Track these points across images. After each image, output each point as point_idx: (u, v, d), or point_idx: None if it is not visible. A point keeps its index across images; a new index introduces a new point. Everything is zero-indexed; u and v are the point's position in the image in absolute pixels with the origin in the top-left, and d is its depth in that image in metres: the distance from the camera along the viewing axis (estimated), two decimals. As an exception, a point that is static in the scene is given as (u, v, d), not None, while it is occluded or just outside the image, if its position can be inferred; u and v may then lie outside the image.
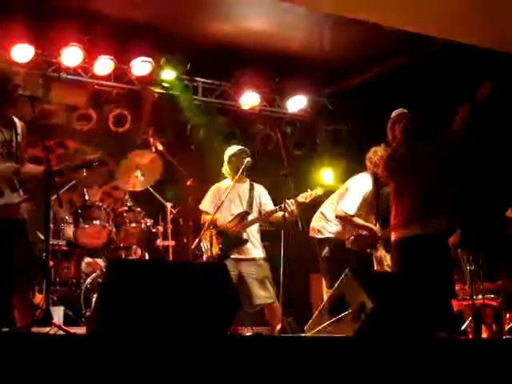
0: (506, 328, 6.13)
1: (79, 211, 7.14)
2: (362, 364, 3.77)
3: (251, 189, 6.73)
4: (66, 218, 7.13)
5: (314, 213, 6.82)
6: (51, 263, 6.59)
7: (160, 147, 7.62)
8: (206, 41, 7.82)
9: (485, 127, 6.84)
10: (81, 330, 5.26)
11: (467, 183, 6.64)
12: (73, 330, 4.65)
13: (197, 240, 6.61)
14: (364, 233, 6.48)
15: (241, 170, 6.54)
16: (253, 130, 9.13)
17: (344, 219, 6.43)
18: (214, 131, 8.77)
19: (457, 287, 6.22)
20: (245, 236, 6.53)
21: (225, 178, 6.80)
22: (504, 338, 5.90)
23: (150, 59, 8.03)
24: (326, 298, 6.11)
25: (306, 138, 9.47)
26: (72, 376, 2.99)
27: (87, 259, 7.22)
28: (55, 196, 5.05)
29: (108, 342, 3.23)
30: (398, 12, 6.20)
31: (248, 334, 6.40)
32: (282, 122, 9.25)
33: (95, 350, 3.14)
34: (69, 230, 7.10)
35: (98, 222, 7.11)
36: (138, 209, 7.37)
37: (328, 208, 6.64)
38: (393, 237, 5.56)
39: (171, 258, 7.26)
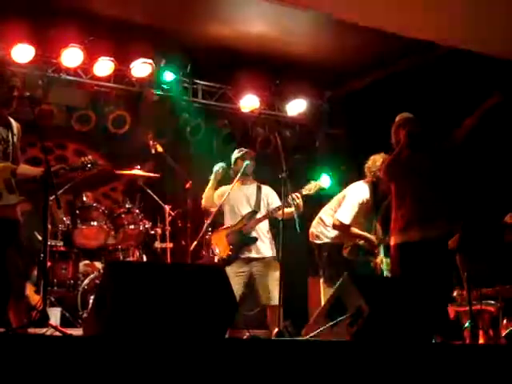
0: (503, 334, 6.12)
1: (77, 212, 7.13)
2: (358, 369, 3.76)
3: (258, 190, 6.75)
4: (64, 219, 7.12)
5: (313, 218, 6.83)
6: (49, 264, 6.58)
7: (160, 149, 7.62)
8: (206, 43, 7.83)
9: (488, 136, 6.83)
10: (77, 332, 5.25)
11: (467, 189, 6.64)
12: (69, 331, 4.65)
13: (195, 242, 6.61)
14: (361, 242, 6.50)
15: (240, 173, 6.58)
16: (252, 133, 9.14)
17: (340, 228, 6.45)
18: (212, 134, 8.79)
19: (455, 293, 6.23)
20: (254, 235, 6.54)
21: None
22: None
23: (150, 61, 8.03)
24: (323, 301, 6.12)
25: (305, 141, 9.48)
26: (68, 378, 2.98)
27: (85, 260, 7.22)
28: (53, 197, 5.05)
29: (105, 344, 3.23)
30: (397, 17, 6.20)
31: (245, 338, 6.39)
32: (282, 126, 9.26)
33: (92, 351, 3.13)
34: (66, 231, 7.10)
35: (95, 223, 7.11)
36: (137, 210, 7.37)
37: (327, 214, 6.65)
38: (391, 241, 5.57)
39: (169, 260, 7.26)
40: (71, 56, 7.64)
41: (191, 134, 8.68)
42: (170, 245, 7.36)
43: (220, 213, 6.71)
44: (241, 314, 6.56)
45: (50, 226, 6.44)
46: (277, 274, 6.33)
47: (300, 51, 8.13)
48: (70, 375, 2.99)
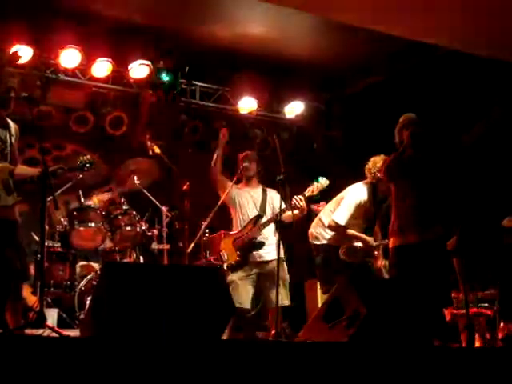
0: (500, 337, 6.13)
1: (74, 213, 7.12)
2: (355, 370, 3.76)
3: (264, 193, 6.75)
4: (61, 219, 7.12)
5: (310, 220, 6.84)
6: (46, 265, 6.57)
7: (157, 150, 7.60)
8: (205, 45, 7.83)
9: (487, 141, 6.84)
10: (74, 333, 5.24)
11: (465, 192, 6.64)
12: (66, 332, 4.64)
13: (192, 244, 6.61)
14: (358, 244, 6.50)
15: (238, 174, 6.61)
16: (250, 135, 9.14)
17: (335, 229, 6.45)
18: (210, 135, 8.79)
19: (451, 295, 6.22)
20: (260, 239, 6.54)
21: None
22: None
23: (148, 62, 8.03)
24: (320, 303, 6.12)
25: (303, 143, 9.48)
26: (65, 379, 2.98)
27: (82, 261, 7.21)
28: (51, 198, 5.04)
29: (102, 345, 3.22)
30: (395, 18, 6.21)
31: (242, 339, 6.40)
32: (279, 128, 9.26)
33: (89, 352, 3.13)
34: (64, 232, 7.09)
35: (93, 224, 7.09)
36: (134, 212, 7.36)
37: (326, 215, 6.65)
38: (390, 243, 5.56)
39: (166, 261, 7.25)
40: (69, 57, 7.64)
41: (189, 135, 8.67)
42: (167, 246, 7.35)
43: (216, 216, 6.70)
44: (241, 315, 6.56)
45: (47, 227, 6.44)
46: (284, 276, 6.36)
47: (298, 53, 8.14)
48: (67, 376, 2.98)
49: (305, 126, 9.45)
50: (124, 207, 7.38)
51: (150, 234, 7.41)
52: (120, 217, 7.31)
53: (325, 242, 6.59)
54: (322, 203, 6.88)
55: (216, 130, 8.12)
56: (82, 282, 6.85)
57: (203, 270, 5.28)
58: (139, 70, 8.08)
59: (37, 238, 6.54)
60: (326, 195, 6.84)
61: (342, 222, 6.38)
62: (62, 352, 3.06)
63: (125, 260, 7.18)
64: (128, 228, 7.25)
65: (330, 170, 7.82)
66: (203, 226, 6.60)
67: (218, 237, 6.75)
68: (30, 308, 5.34)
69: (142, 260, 7.26)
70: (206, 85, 8.80)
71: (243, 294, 6.29)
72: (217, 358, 3.43)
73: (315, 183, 6.58)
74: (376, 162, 6.42)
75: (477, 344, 5.94)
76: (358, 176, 6.65)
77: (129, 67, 8.05)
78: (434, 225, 5.36)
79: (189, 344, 3.45)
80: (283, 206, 6.24)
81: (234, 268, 6.42)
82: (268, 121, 9.25)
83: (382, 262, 6.50)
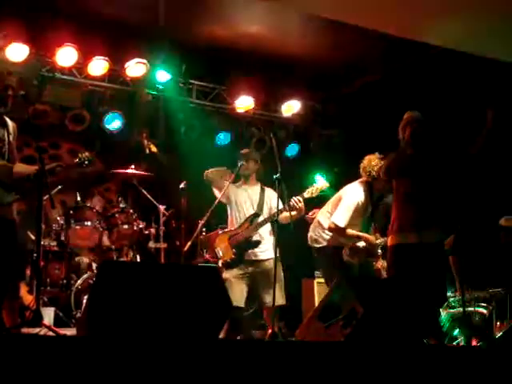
0: (497, 336, 6.14)
1: (71, 212, 7.12)
2: (351, 370, 3.76)
3: (262, 192, 6.73)
4: (58, 218, 7.11)
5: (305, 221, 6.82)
6: (42, 264, 6.56)
7: (154, 149, 7.62)
8: (202, 43, 7.83)
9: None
10: (71, 332, 5.24)
11: (463, 191, 6.64)
12: (63, 331, 4.64)
13: (189, 242, 6.60)
14: (360, 244, 6.47)
15: (235, 172, 6.60)
16: (247, 134, 9.15)
17: (336, 231, 6.41)
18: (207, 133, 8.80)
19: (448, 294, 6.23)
20: (256, 237, 6.53)
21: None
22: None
23: (144, 61, 8.02)
24: (317, 303, 6.12)
25: (299, 142, 9.49)
26: (62, 378, 2.97)
27: (78, 260, 7.20)
28: (47, 196, 5.04)
29: (99, 344, 3.22)
30: (393, 18, 6.21)
31: (238, 339, 6.39)
32: (276, 126, 9.26)
33: (85, 351, 3.12)
34: (60, 231, 7.09)
35: (89, 223, 7.10)
36: (131, 210, 7.36)
37: (324, 217, 6.59)
38: (389, 241, 5.50)
39: (163, 260, 7.25)
40: (66, 55, 7.62)
41: (185, 133, 8.68)
42: (164, 245, 7.36)
43: (213, 215, 6.70)
44: (238, 314, 6.55)
45: (43, 226, 6.44)
46: (279, 275, 6.32)
47: (295, 52, 8.14)
48: (64, 375, 2.98)
49: (301, 124, 9.46)
50: (121, 205, 7.39)
51: (147, 232, 7.42)
52: (117, 215, 7.32)
53: (325, 243, 6.54)
54: (314, 210, 6.85)
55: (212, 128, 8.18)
56: (79, 281, 6.85)
57: (200, 268, 5.27)
58: (136, 68, 8.07)
59: (33, 237, 6.54)
60: (321, 198, 6.83)
61: (342, 223, 6.34)
62: (58, 351, 3.05)
63: (121, 258, 7.18)
64: (125, 226, 7.26)
65: (326, 169, 7.83)
66: (200, 225, 6.59)
67: (215, 235, 6.74)
68: (26, 307, 5.33)
69: (138, 259, 7.27)
70: (202, 83, 8.80)
71: (237, 292, 6.27)
72: (213, 357, 3.43)
73: (315, 185, 6.57)
74: (371, 161, 6.39)
75: (473, 343, 5.95)
76: (355, 175, 6.62)
77: (125, 65, 8.04)
78: (433, 226, 5.31)
79: (185, 343, 3.45)
80: (281, 206, 6.24)
81: (228, 265, 6.40)
82: (265, 120, 9.25)
83: (380, 263, 6.48)
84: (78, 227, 7.05)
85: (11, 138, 4.86)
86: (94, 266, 7.05)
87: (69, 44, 7.55)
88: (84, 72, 7.97)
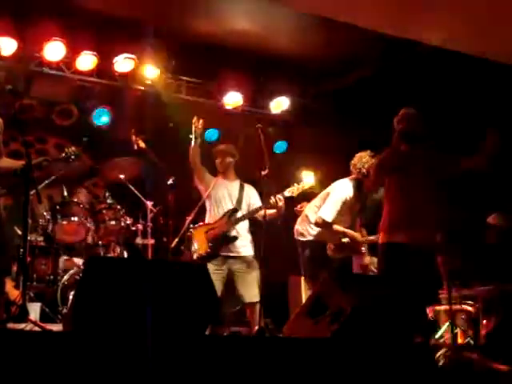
0: (483, 334, 6.16)
1: (57, 207, 7.08)
2: (338, 366, 3.77)
3: (241, 188, 6.71)
4: (45, 213, 7.07)
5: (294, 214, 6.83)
6: (28, 259, 6.52)
7: (142, 145, 7.58)
8: (191, 39, 7.81)
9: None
10: (57, 327, 5.22)
11: (452, 190, 6.64)
12: (49, 326, 4.62)
13: (176, 239, 6.59)
14: (345, 240, 6.48)
15: (219, 167, 6.63)
16: (235, 130, 9.12)
17: (322, 226, 6.42)
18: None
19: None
20: (234, 233, 6.51)
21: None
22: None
23: (133, 56, 7.99)
24: (304, 299, 6.12)
25: (287, 138, 9.48)
26: (48, 373, 2.96)
27: (65, 256, 7.17)
28: (34, 191, 5.00)
29: (84, 339, 3.21)
30: (379, 15, 6.21)
31: (226, 334, 6.39)
32: (265, 123, 9.24)
33: (71, 347, 3.11)
34: (47, 226, 7.05)
35: (76, 218, 7.06)
36: (118, 206, 7.33)
37: (311, 211, 6.61)
38: (380, 239, 5.47)
39: (150, 256, 7.23)
40: (54, 50, 7.58)
41: (174, 129, 8.65)
42: (151, 241, 7.33)
43: (201, 211, 6.68)
44: (223, 311, 6.54)
45: (30, 221, 6.40)
46: (256, 273, 6.29)
47: (284, 48, 8.13)
48: (50, 370, 2.97)
49: (290, 120, 9.45)
50: (108, 201, 7.36)
51: (134, 228, 7.40)
52: (104, 211, 7.29)
53: (311, 238, 6.56)
54: (303, 203, 6.85)
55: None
56: (65, 277, 6.81)
57: (187, 265, 5.26)
58: (124, 63, 8.03)
59: (20, 232, 6.50)
60: (311, 193, 6.83)
61: (329, 218, 6.35)
62: (44, 346, 3.04)
63: (108, 255, 7.15)
64: (112, 222, 7.24)
65: (315, 165, 7.83)
66: (187, 221, 6.57)
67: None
68: (12, 302, 5.30)
69: (125, 255, 7.24)
70: (191, 79, 8.77)
71: None
72: (201, 353, 3.42)
73: (296, 185, 6.57)
74: (361, 158, 6.40)
75: (459, 341, 5.98)
76: (345, 171, 6.62)
77: (114, 61, 8.00)
78: (424, 224, 5.27)
79: (172, 339, 3.45)
80: (260, 204, 6.31)
81: (203, 259, 6.35)
82: (253, 116, 9.23)
83: (368, 259, 6.49)
84: (64, 222, 7.01)
85: (-3, 133, 4.83)
86: (81, 261, 7.02)
87: (57, 38, 7.51)
88: (72, 67, 7.92)
